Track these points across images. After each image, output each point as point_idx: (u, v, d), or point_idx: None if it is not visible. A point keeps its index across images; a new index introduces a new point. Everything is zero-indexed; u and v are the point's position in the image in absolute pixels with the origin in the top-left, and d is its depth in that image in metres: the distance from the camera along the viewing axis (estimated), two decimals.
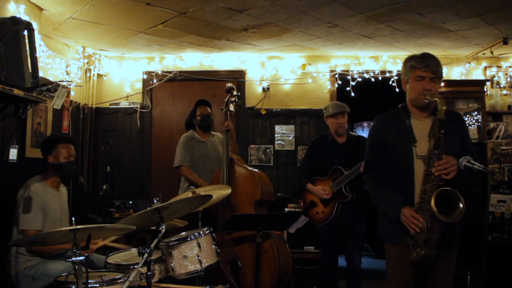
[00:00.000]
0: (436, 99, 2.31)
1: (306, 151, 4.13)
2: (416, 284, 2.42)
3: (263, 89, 5.44)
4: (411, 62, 2.43)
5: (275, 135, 5.44)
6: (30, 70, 2.82)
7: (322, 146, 3.88)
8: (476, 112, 5.07)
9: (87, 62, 5.15)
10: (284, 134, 5.44)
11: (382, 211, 2.52)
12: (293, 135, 5.43)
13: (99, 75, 5.40)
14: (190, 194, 3.16)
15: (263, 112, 5.43)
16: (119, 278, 2.51)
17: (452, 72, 5.41)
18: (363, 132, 6.59)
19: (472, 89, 5.19)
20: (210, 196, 2.87)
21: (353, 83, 5.30)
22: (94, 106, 5.36)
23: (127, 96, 5.50)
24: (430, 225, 2.23)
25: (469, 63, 5.33)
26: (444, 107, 2.30)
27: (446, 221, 2.18)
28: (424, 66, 2.38)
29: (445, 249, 2.36)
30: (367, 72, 5.33)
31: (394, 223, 2.38)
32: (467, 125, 4.83)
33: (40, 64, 3.48)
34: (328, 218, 3.67)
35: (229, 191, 3.48)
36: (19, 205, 2.99)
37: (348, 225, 3.68)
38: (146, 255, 2.37)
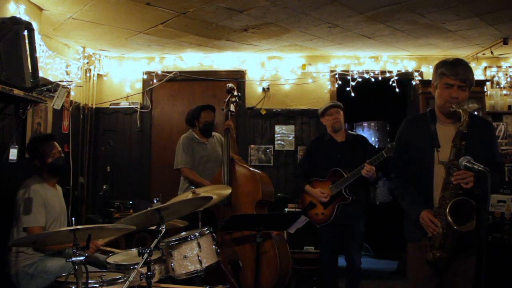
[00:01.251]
0: (460, 110, 2.34)
1: (304, 151, 4.13)
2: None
3: (263, 89, 5.44)
4: (442, 69, 2.44)
5: (275, 135, 5.44)
6: (30, 70, 2.82)
7: (320, 146, 3.88)
8: (476, 112, 5.07)
9: (87, 62, 5.15)
10: (284, 134, 5.43)
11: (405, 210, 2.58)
12: (293, 135, 5.43)
13: (99, 75, 5.40)
14: (190, 194, 3.16)
15: (263, 112, 5.43)
16: (119, 278, 2.51)
17: None
18: (363, 132, 6.59)
19: (472, 89, 5.16)
20: (210, 198, 2.87)
21: (353, 83, 5.30)
22: (94, 106, 5.36)
23: (127, 96, 5.50)
24: (446, 230, 2.28)
25: (469, 63, 5.31)
26: (467, 119, 2.32)
27: (460, 230, 2.21)
28: (453, 74, 2.39)
29: (461, 256, 2.38)
30: (367, 72, 5.33)
31: (414, 223, 2.44)
32: None
33: (40, 64, 3.47)
34: (328, 219, 3.67)
35: (229, 191, 3.48)
36: (20, 205, 3.00)
37: (347, 225, 3.68)
38: (146, 255, 2.37)
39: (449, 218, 2.22)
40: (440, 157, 2.39)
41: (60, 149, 3.28)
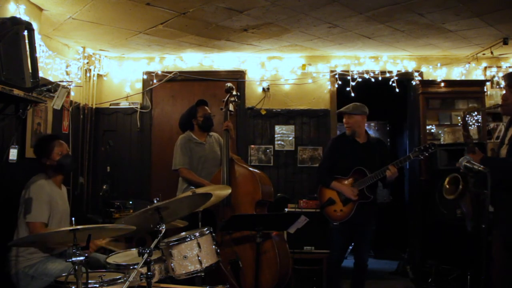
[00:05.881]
0: None
1: (326, 148, 4.13)
2: None
3: (263, 89, 5.44)
4: None
5: (275, 135, 5.44)
6: (30, 70, 2.82)
7: (343, 145, 3.89)
8: (476, 112, 5.07)
9: (87, 62, 5.15)
10: (284, 134, 5.43)
11: None
12: (293, 135, 5.43)
13: (99, 75, 5.39)
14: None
15: (263, 112, 5.43)
16: (119, 278, 2.51)
17: (452, 72, 5.41)
18: None
19: (472, 89, 5.20)
20: (210, 195, 2.87)
21: (353, 83, 5.30)
22: (94, 106, 5.36)
23: (127, 96, 5.50)
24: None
25: (469, 63, 5.33)
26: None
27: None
28: None
29: None
30: (367, 72, 5.33)
31: None
32: (468, 125, 4.90)
33: (40, 64, 3.48)
34: (346, 216, 3.69)
35: (229, 191, 3.48)
36: (24, 201, 3.00)
37: (362, 224, 3.73)
38: (146, 255, 2.37)
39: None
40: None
41: (67, 147, 3.30)
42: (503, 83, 2.75)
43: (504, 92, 2.73)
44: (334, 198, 3.74)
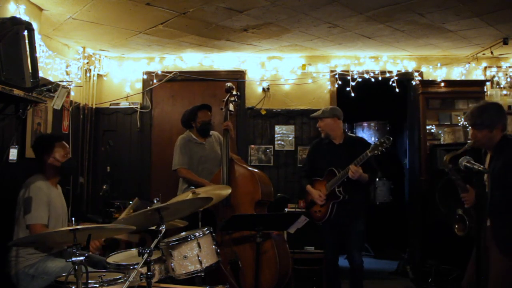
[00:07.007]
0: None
1: (307, 152, 4.28)
2: None
3: (263, 89, 5.44)
4: None
5: (275, 135, 5.44)
6: (30, 70, 2.82)
7: (320, 148, 4.00)
8: None
9: (87, 62, 5.15)
10: (284, 134, 5.43)
11: None
12: (293, 135, 5.43)
13: (99, 75, 5.39)
14: (190, 195, 3.16)
15: (263, 112, 5.43)
16: (119, 278, 2.51)
17: (452, 72, 5.40)
18: (363, 132, 6.59)
19: (472, 89, 5.20)
20: (210, 199, 2.88)
21: (353, 83, 5.30)
22: (94, 106, 5.36)
23: (127, 96, 5.50)
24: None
25: (469, 63, 5.33)
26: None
27: None
28: None
29: None
30: (367, 72, 5.33)
31: None
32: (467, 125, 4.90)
33: (40, 64, 3.48)
34: (324, 216, 3.76)
35: (229, 191, 3.48)
36: (23, 202, 2.99)
37: (346, 225, 3.76)
38: (146, 255, 2.37)
39: None
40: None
41: (70, 151, 3.30)
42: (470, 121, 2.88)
43: (471, 132, 2.84)
44: (314, 199, 3.86)
